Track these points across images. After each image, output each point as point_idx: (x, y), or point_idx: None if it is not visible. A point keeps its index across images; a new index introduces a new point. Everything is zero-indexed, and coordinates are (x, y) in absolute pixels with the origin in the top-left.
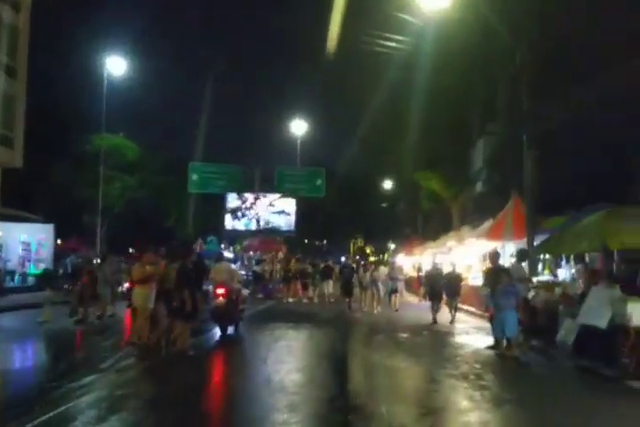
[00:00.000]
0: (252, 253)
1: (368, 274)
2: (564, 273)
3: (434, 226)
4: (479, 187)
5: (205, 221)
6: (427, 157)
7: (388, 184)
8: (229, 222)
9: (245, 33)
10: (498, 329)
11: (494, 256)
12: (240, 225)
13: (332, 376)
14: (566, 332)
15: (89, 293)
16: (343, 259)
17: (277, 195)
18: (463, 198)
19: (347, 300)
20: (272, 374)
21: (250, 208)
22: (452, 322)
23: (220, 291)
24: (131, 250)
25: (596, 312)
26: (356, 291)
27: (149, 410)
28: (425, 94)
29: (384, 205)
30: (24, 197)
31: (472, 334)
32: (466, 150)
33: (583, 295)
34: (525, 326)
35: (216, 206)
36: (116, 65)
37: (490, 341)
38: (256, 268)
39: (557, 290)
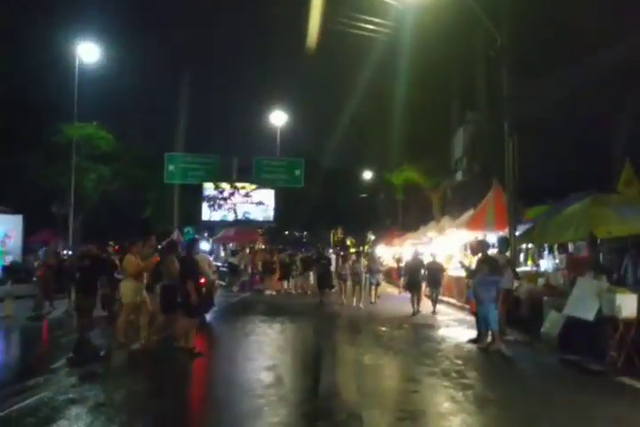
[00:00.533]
0: (229, 244)
1: (347, 265)
2: (547, 263)
3: (414, 216)
4: (459, 176)
5: (183, 213)
6: (406, 147)
7: (367, 175)
8: (207, 213)
9: (225, 20)
10: (481, 322)
11: (480, 246)
12: (217, 216)
13: (303, 376)
14: (551, 324)
15: (51, 286)
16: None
17: (254, 185)
18: (443, 188)
19: (322, 292)
20: (238, 374)
21: (226, 199)
22: (433, 312)
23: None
24: (111, 242)
25: (583, 304)
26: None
27: (91, 417)
28: (404, 82)
29: (364, 195)
30: None
31: (453, 326)
32: (446, 140)
33: (571, 285)
34: (508, 319)
35: (193, 197)
36: (87, 52)
37: (472, 334)
38: (232, 259)
39: (540, 281)
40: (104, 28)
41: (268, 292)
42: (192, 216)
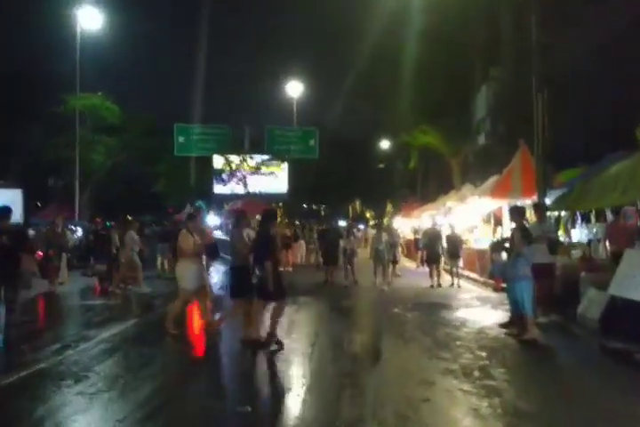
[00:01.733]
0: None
1: (352, 239)
2: (580, 234)
3: (433, 186)
4: (482, 139)
5: (194, 186)
6: (425, 110)
7: (385, 144)
8: (219, 186)
9: None
10: (512, 304)
11: (516, 213)
12: (226, 189)
13: (286, 376)
14: (590, 304)
15: None
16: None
17: (266, 157)
18: (464, 153)
19: (327, 270)
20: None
21: (235, 171)
22: (452, 285)
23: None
24: (129, 217)
25: (632, 281)
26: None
27: None
28: (422, 39)
29: (381, 165)
30: None
31: (476, 306)
32: (467, 100)
33: (614, 258)
34: (542, 298)
35: (204, 169)
36: (89, 18)
37: (497, 316)
38: None
39: (575, 253)
40: None
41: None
42: (203, 189)
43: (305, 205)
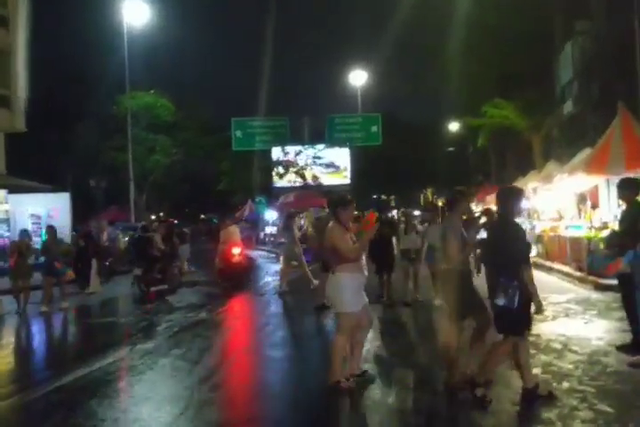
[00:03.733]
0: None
1: (414, 235)
2: None
3: (510, 168)
4: (569, 107)
5: (256, 181)
6: (498, 81)
7: (454, 126)
8: (282, 181)
9: None
10: (634, 318)
11: (631, 186)
12: (287, 182)
13: None
14: None
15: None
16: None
17: (323, 145)
18: (547, 127)
19: (380, 280)
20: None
21: (291, 162)
22: None
23: (237, 250)
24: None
25: None
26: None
27: None
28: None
29: (451, 149)
30: (40, 165)
31: (575, 314)
32: (548, 63)
33: None
34: None
35: (263, 164)
36: (135, 12)
37: (606, 329)
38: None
39: None
40: None
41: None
42: (265, 185)
43: (374, 196)
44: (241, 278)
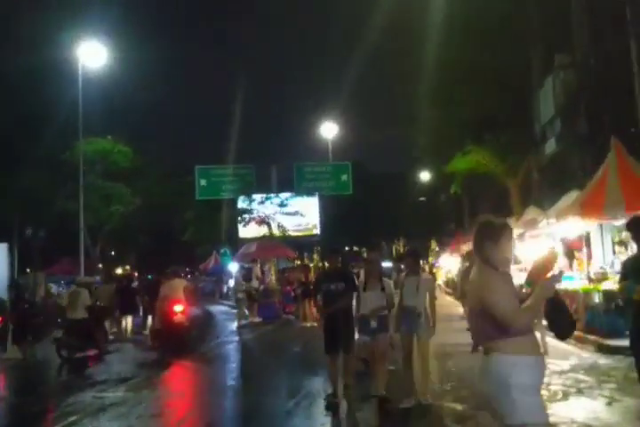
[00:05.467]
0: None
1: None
2: None
3: (484, 215)
4: (551, 147)
5: (218, 231)
6: (471, 124)
7: (425, 176)
8: (245, 230)
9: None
10: None
11: None
12: (253, 232)
13: None
14: None
15: None
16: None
17: (289, 194)
18: (525, 169)
19: (332, 361)
20: None
21: (251, 211)
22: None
23: (179, 308)
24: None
25: None
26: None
27: None
28: (457, 44)
29: (422, 198)
30: None
31: (590, 389)
32: (526, 102)
33: None
34: None
35: (228, 213)
36: (92, 54)
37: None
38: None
39: None
40: (112, 23)
41: (303, 324)
42: (231, 235)
43: (347, 248)
44: (182, 341)
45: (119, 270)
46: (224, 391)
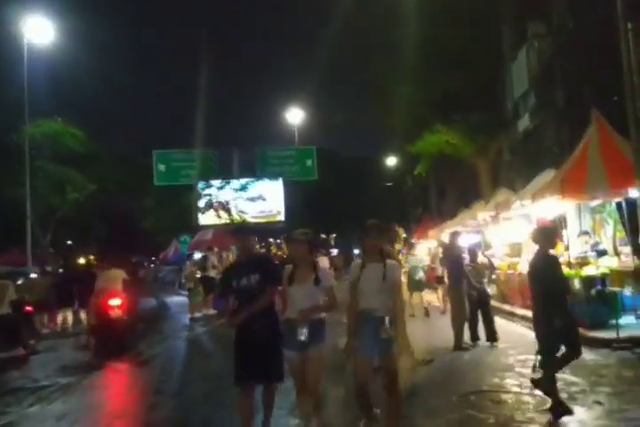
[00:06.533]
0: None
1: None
2: None
3: (452, 199)
4: (524, 123)
5: (178, 219)
6: (440, 104)
7: (392, 161)
8: (203, 217)
9: None
10: None
11: None
12: (214, 219)
13: None
14: None
15: None
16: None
17: (251, 178)
18: (496, 149)
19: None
20: None
21: (209, 196)
22: (491, 342)
23: (116, 302)
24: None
25: None
26: None
27: None
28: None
29: (389, 184)
30: None
31: (583, 394)
32: (497, 76)
33: None
34: None
35: (187, 199)
36: (38, 29)
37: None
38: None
39: None
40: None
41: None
42: (186, 221)
43: (323, 235)
44: (119, 339)
45: (82, 260)
46: (151, 405)
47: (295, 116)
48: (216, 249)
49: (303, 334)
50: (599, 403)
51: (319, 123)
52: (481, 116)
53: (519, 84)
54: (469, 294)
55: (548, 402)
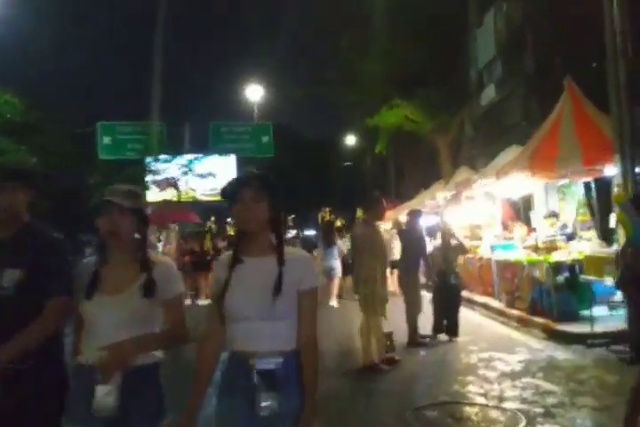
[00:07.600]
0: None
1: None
2: None
3: (411, 180)
4: (490, 95)
5: None
6: (397, 79)
7: (351, 140)
8: (151, 194)
9: None
10: None
11: None
12: (160, 195)
13: None
14: None
15: None
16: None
17: (200, 155)
18: (457, 124)
19: None
20: None
21: (156, 172)
22: (450, 336)
23: None
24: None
25: None
26: None
27: None
28: None
29: (348, 164)
30: None
31: (563, 408)
32: (459, 48)
33: None
34: None
35: (133, 176)
36: None
37: None
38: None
39: None
40: None
41: (200, 302)
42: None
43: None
44: None
45: None
46: None
47: (254, 92)
48: (155, 227)
49: (107, 399)
50: (585, 421)
51: (279, 101)
52: (443, 89)
53: (485, 53)
54: (434, 281)
55: (522, 420)
